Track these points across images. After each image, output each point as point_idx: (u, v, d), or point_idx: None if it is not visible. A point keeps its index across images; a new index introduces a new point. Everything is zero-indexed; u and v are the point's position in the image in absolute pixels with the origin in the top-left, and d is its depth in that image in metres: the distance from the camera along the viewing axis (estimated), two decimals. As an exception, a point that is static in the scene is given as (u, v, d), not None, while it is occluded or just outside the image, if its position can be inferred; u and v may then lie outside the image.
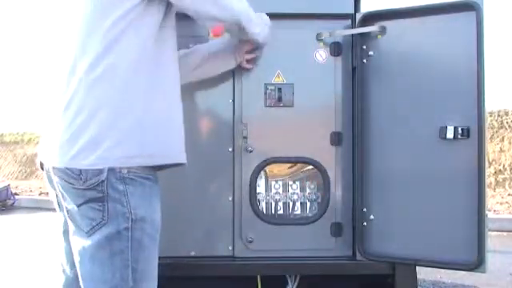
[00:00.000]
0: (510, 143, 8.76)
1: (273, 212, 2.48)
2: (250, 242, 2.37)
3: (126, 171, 1.56)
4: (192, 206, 2.37)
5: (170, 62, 1.72)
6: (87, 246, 1.56)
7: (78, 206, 1.56)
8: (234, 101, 2.38)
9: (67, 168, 1.54)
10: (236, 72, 2.38)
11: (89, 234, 1.55)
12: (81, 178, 1.53)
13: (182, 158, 1.72)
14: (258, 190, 2.42)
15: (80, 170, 1.53)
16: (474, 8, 2.09)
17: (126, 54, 1.58)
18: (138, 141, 1.58)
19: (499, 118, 8.91)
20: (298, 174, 2.50)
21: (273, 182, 2.48)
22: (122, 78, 1.57)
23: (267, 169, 2.45)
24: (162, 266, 2.34)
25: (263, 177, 2.47)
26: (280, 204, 2.48)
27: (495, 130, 8.86)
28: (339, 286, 2.52)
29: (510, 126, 8.82)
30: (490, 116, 8.75)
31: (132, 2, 1.58)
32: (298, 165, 2.49)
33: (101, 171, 1.53)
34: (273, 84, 2.38)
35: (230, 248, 2.39)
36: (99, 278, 1.56)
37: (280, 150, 2.39)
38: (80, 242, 1.59)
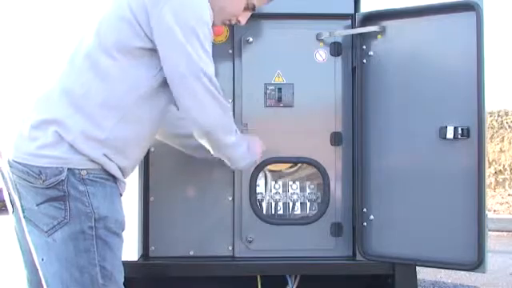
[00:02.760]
0: (510, 143, 8.75)
1: (273, 212, 2.48)
2: (250, 242, 2.37)
3: (85, 172, 1.57)
4: (192, 206, 2.37)
5: (158, 111, 1.72)
6: (49, 246, 1.55)
7: (38, 204, 1.55)
8: (233, 101, 2.38)
9: (25, 165, 1.55)
10: (236, 72, 2.38)
11: (49, 233, 1.54)
12: (40, 177, 1.54)
13: (119, 174, 1.69)
14: (257, 190, 2.42)
15: (39, 169, 1.54)
16: (474, 8, 2.09)
17: (121, 79, 1.61)
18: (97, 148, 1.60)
19: (499, 118, 8.90)
20: (298, 174, 2.50)
21: (273, 182, 2.48)
22: (107, 98, 1.60)
23: (267, 169, 2.45)
24: (162, 266, 2.37)
25: (263, 177, 2.47)
26: (280, 204, 2.48)
27: (495, 130, 8.85)
28: (339, 286, 2.52)
29: (510, 126, 8.81)
30: (490, 116, 8.73)
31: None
32: (298, 165, 2.49)
33: (60, 171, 1.54)
34: (273, 84, 2.38)
35: (230, 248, 2.39)
36: (66, 277, 1.55)
37: (280, 150, 2.39)
38: (40, 242, 1.57)
